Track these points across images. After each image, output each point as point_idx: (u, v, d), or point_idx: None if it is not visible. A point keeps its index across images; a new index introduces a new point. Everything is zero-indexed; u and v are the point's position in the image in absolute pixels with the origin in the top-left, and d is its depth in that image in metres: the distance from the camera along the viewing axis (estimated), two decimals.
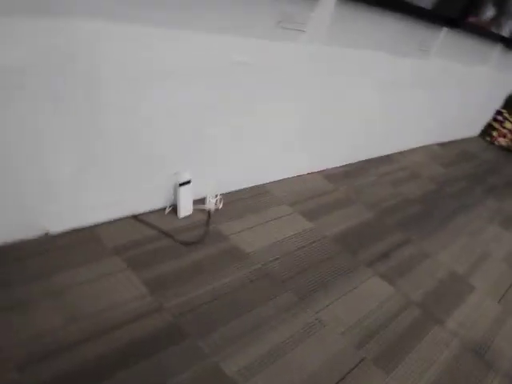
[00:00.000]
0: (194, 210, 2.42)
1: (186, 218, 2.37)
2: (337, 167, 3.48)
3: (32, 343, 1.56)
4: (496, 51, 4.87)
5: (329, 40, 2.58)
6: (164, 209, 2.36)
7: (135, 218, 2.25)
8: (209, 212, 2.46)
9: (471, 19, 3.73)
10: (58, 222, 1.98)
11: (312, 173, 3.24)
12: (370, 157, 3.87)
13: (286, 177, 3.03)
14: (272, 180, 2.93)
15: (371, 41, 2.89)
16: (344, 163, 3.56)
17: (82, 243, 2.00)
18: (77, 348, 1.59)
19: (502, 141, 6.15)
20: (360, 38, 2.79)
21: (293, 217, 2.70)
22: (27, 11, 1.42)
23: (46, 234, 1.96)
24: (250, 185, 2.82)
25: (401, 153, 4.34)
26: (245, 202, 2.68)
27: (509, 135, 6.18)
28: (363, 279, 2.44)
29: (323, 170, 3.35)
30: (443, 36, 3.66)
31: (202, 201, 2.49)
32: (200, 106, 2.17)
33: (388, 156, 4.11)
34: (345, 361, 1.91)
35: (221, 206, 2.52)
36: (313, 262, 2.41)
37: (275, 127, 2.66)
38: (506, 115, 6.18)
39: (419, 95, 3.97)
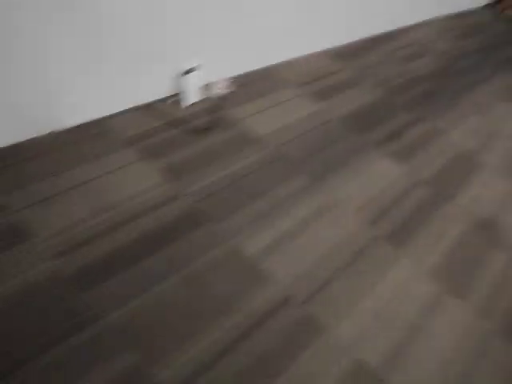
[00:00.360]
0: (204, 96, 2.36)
1: (193, 105, 2.32)
2: (341, 46, 3.35)
3: (66, 232, 1.60)
4: None
5: None
6: (173, 96, 2.30)
7: (142, 108, 2.20)
8: (217, 97, 2.40)
9: None
10: (67, 118, 1.95)
11: (318, 52, 3.13)
12: (378, 32, 3.71)
13: (292, 57, 2.93)
14: (280, 61, 2.83)
15: None
16: (349, 41, 3.42)
17: (93, 136, 1.99)
18: (106, 236, 1.63)
19: (510, 11, 5.87)
20: None
21: (302, 98, 2.64)
22: None
23: (52, 133, 1.93)
24: (258, 67, 2.73)
25: (410, 27, 4.16)
26: (254, 85, 2.61)
27: None
28: (375, 159, 2.44)
29: (329, 49, 3.22)
30: None
31: (211, 86, 2.42)
32: None
33: (393, 32, 3.94)
34: (358, 239, 1.96)
35: (229, 91, 2.45)
36: (324, 143, 2.39)
37: (277, 4, 2.53)
38: None
39: None
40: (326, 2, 2.84)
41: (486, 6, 5.99)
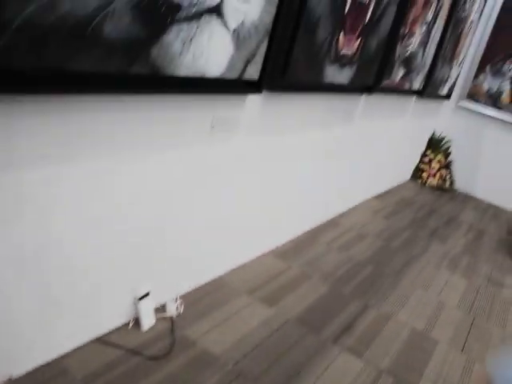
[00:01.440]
0: (158, 318, 2.41)
1: (150, 330, 2.36)
2: (286, 243, 3.56)
3: None
4: (412, 102, 5.22)
5: (263, 131, 2.71)
6: (127, 324, 2.34)
7: (100, 340, 2.21)
8: (171, 319, 2.45)
9: (385, 82, 4.02)
10: (22, 363, 1.93)
11: (263, 254, 3.31)
12: (315, 225, 3.98)
13: (239, 263, 3.07)
14: (227, 269, 2.96)
15: (302, 120, 3.05)
16: (292, 237, 3.65)
17: (51, 380, 1.95)
18: None
19: (433, 180, 6.47)
20: (292, 121, 2.94)
21: (254, 306, 2.73)
22: None
23: (10, 379, 1.90)
24: (207, 279, 2.85)
25: (343, 214, 4.50)
26: (205, 299, 2.69)
27: (438, 174, 6.53)
28: (333, 357, 2.49)
29: (273, 249, 3.41)
30: (363, 101, 3.91)
31: (164, 308, 2.49)
32: (148, 221, 2.22)
33: (332, 220, 4.25)
34: None
35: (182, 310, 2.52)
36: (281, 350, 2.44)
37: (220, 217, 2.73)
38: (431, 156, 6.55)
39: (350, 156, 4.16)
40: (263, 203, 3.08)
41: (411, 178, 6.59)
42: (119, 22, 1.62)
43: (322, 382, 2.31)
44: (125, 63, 1.71)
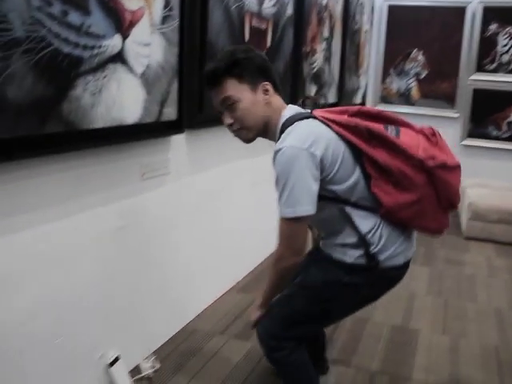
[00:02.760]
0: (134, 380, 2.29)
1: None
2: (245, 276, 3.50)
3: None
4: None
5: (193, 169, 2.69)
6: None
7: None
8: (149, 378, 2.33)
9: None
10: None
11: (226, 292, 3.23)
12: (269, 253, 3.95)
13: (206, 305, 2.98)
14: (196, 314, 2.87)
15: (230, 150, 3.04)
16: (250, 269, 3.59)
17: None
18: None
19: None
20: (220, 153, 2.93)
21: (230, 344, 2.64)
22: None
23: None
24: (177, 329, 2.75)
25: None
26: (179, 349, 2.58)
27: None
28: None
29: (235, 285, 3.34)
30: None
31: (138, 368, 2.36)
32: (98, 280, 2.12)
33: None
34: None
35: (158, 366, 2.40)
36: (268, 380, 2.34)
37: (175, 264, 2.66)
38: None
39: None
40: (213, 240, 3.02)
41: None
42: (22, 83, 1.58)
43: None
44: (36, 124, 1.66)
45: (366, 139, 1.57)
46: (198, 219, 2.82)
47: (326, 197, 1.58)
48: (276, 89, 1.69)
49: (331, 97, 5.01)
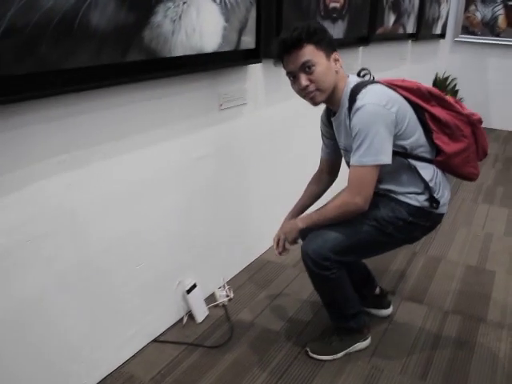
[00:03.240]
0: (209, 308, 2.37)
1: (205, 320, 2.31)
2: None
3: None
4: (408, 47, 5.10)
5: (269, 99, 2.65)
6: (181, 320, 2.30)
7: (158, 341, 2.17)
8: (224, 306, 2.41)
9: (379, 31, 3.92)
10: (88, 377, 1.90)
11: None
12: None
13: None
14: (270, 245, 2.90)
15: None
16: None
17: None
18: None
19: None
20: None
21: (301, 277, 2.67)
22: None
23: None
24: (251, 260, 2.80)
25: None
26: (252, 280, 2.65)
27: None
28: (394, 309, 2.41)
29: None
30: (361, 52, 3.81)
31: (213, 297, 2.44)
32: (179, 209, 2.17)
33: None
34: None
35: (232, 295, 2.47)
36: None
37: (248, 197, 2.67)
38: None
39: None
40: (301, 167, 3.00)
41: None
42: (104, 11, 1.56)
43: (390, 334, 2.24)
44: (119, 52, 1.65)
45: (427, 99, 1.86)
46: (275, 150, 2.80)
47: (395, 151, 1.78)
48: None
49: (410, 27, 4.74)
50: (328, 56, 1.78)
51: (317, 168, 2.19)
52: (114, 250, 1.88)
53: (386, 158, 1.73)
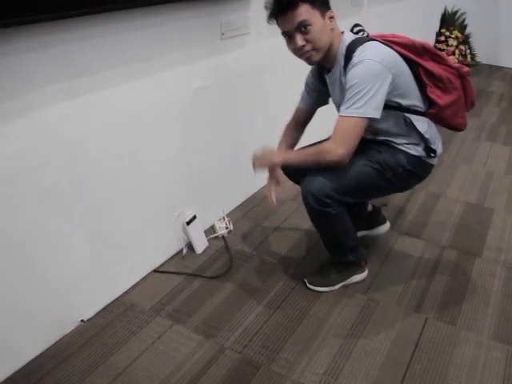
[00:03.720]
0: (209, 240, 2.40)
1: (204, 252, 2.35)
2: None
3: None
4: None
5: (272, 29, 2.56)
6: (181, 251, 2.33)
7: (158, 271, 2.21)
8: (223, 237, 2.44)
9: None
10: (89, 305, 1.95)
11: None
12: None
13: None
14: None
15: None
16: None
17: (121, 315, 1.96)
18: None
19: (453, 58, 6.20)
20: None
21: (300, 211, 2.67)
22: None
23: (83, 321, 1.92)
24: (250, 194, 2.82)
25: None
26: (252, 213, 2.67)
27: (457, 51, 6.24)
28: (393, 242, 2.44)
29: None
30: None
31: (213, 228, 2.47)
32: (179, 141, 2.15)
33: None
34: None
35: (232, 227, 2.50)
36: None
37: (248, 131, 2.65)
38: (447, 33, 6.24)
39: None
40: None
41: None
42: None
43: (386, 267, 2.28)
44: None
45: (421, 54, 1.89)
46: (278, 83, 2.74)
47: (391, 106, 1.84)
48: None
49: None
50: (323, 14, 1.78)
51: None
52: (114, 182, 1.87)
53: (375, 113, 1.74)
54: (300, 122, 2.16)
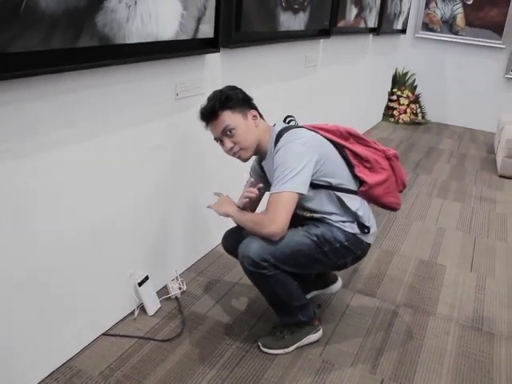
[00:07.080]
0: (162, 301, 2.34)
1: (157, 313, 2.28)
2: None
3: None
4: (369, 41, 5.14)
5: None
6: (133, 313, 2.26)
7: (108, 334, 2.13)
8: (176, 298, 2.38)
9: (340, 24, 3.93)
10: (34, 372, 1.84)
11: None
12: None
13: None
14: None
15: (263, 73, 2.95)
16: None
17: (67, 383, 1.86)
18: None
19: (405, 117, 6.44)
20: (254, 75, 2.82)
21: None
22: None
23: None
24: (204, 253, 2.78)
25: None
26: (206, 273, 2.63)
27: (408, 110, 6.49)
28: (348, 301, 2.43)
29: None
30: (322, 44, 3.81)
31: (166, 289, 2.41)
32: (131, 200, 2.12)
33: None
34: None
35: (185, 287, 2.45)
36: None
37: (202, 189, 2.64)
38: (398, 93, 6.50)
39: (316, 104, 4.02)
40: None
41: (384, 118, 6.56)
42: None
43: (342, 326, 2.27)
44: (70, 37, 1.59)
45: (346, 138, 2.08)
46: None
47: (322, 185, 1.96)
48: (260, 115, 2.06)
49: (371, 21, 4.78)
50: (245, 116, 1.96)
51: None
52: (63, 243, 1.82)
53: (303, 188, 1.85)
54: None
